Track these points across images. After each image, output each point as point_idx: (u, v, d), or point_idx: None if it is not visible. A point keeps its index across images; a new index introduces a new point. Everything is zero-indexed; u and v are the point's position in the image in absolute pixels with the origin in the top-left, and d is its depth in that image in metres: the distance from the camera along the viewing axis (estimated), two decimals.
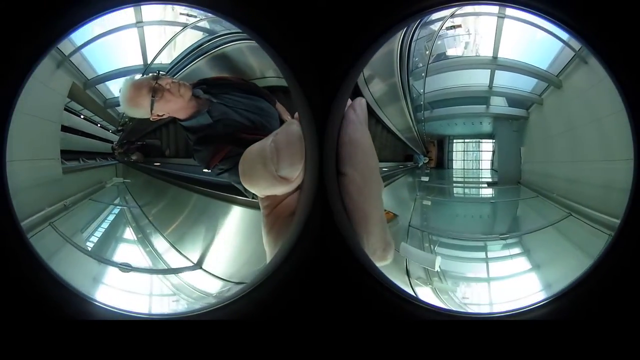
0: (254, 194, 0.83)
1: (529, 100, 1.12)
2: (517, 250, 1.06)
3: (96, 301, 0.74)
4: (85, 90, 1.02)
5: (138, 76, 1.04)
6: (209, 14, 1.09)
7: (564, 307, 0.72)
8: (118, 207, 1.11)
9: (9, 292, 0.69)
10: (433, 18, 1.14)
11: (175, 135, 1.13)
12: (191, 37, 1.14)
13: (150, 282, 1.04)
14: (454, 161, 1.22)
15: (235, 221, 1.15)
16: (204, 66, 1.15)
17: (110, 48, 1.05)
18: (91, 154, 1.06)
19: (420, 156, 1.25)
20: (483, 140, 1.19)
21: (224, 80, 1.13)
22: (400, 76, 1.22)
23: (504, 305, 0.88)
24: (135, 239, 1.10)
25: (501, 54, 1.10)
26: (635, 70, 0.66)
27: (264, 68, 1.14)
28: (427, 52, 1.19)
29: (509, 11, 1.02)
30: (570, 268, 0.79)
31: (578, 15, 0.66)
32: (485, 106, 1.16)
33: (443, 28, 1.15)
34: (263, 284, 0.73)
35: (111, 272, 0.99)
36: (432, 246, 1.14)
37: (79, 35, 0.98)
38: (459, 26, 1.13)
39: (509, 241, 1.08)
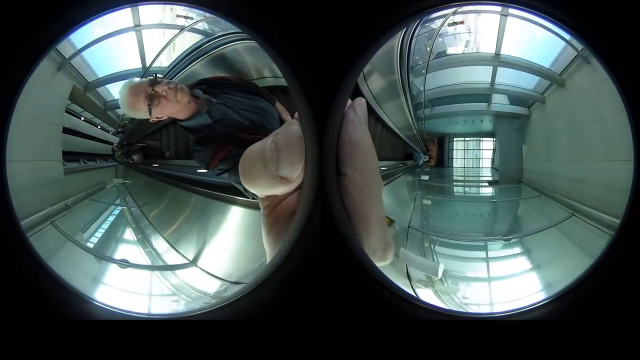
0: (254, 194, 0.83)
1: (531, 98, 1.12)
2: (517, 249, 1.07)
3: (96, 301, 0.74)
4: (85, 93, 1.03)
5: (137, 79, 1.04)
6: (208, 15, 1.10)
7: (564, 307, 0.73)
8: (118, 208, 1.12)
9: (8, 292, 0.69)
10: (434, 16, 1.14)
11: (175, 137, 1.14)
12: (190, 39, 1.15)
13: (150, 282, 1.05)
14: (454, 159, 1.22)
15: (235, 221, 1.16)
16: (201, 68, 1.15)
17: (110, 51, 1.06)
18: (91, 155, 1.07)
19: (421, 154, 1.26)
20: (483, 139, 1.20)
21: (224, 80, 1.14)
22: (400, 73, 1.22)
23: (504, 305, 0.89)
24: (135, 239, 1.11)
25: (503, 52, 1.11)
26: (635, 70, 0.66)
27: (261, 68, 1.15)
28: (428, 50, 1.19)
29: (510, 9, 1.03)
30: (571, 268, 0.79)
31: (577, 15, 0.67)
32: (486, 104, 1.17)
33: (445, 25, 1.16)
34: (263, 284, 0.74)
35: (111, 272, 1.00)
36: (432, 245, 1.14)
37: (80, 38, 0.99)
38: (461, 22, 1.13)
39: (511, 241, 1.09)
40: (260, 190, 0.80)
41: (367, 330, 0.72)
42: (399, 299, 0.75)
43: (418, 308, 0.75)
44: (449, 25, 1.15)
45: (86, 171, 1.05)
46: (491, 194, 1.21)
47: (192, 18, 1.13)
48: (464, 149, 1.22)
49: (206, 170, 1.02)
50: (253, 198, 0.86)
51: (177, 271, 1.09)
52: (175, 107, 1.03)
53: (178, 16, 1.12)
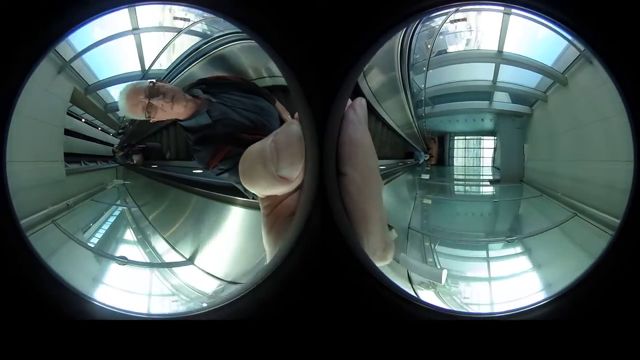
0: (254, 194, 0.84)
1: (533, 97, 1.13)
2: (518, 249, 1.07)
3: (95, 301, 0.75)
4: (86, 95, 1.04)
5: (134, 86, 1.05)
6: (207, 15, 1.11)
7: (564, 307, 0.74)
8: (118, 208, 1.13)
9: (8, 292, 0.70)
10: (435, 14, 1.14)
11: (176, 138, 1.15)
12: (188, 42, 1.16)
13: (150, 282, 1.06)
14: (454, 158, 1.23)
15: (234, 221, 1.17)
16: (199, 70, 1.16)
17: (110, 54, 1.07)
18: (92, 156, 1.08)
19: (421, 153, 1.26)
20: (484, 137, 1.20)
21: (223, 79, 1.15)
22: (401, 70, 1.23)
23: (504, 305, 0.90)
24: (136, 239, 1.12)
25: (505, 50, 1.11)
26: (635, 70, 0.67)
27: (259, 68, 1.16)
28: (429, 47, 1.19)
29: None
30: (572, 268, 0.80)
31: (577, 15, 0.67)
32: (487, 102, 1.17)
33: (446, 22, 1.16)
34: (263, 284, 0.74)
35: (110, 272, 1.01)
36: (432, 245, 1.15)
37: (80, 41, 1.00)
38: (464, 20, 1.13)
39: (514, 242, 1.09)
40: (260, 190, 0.81)
41: (367, 330, 0.73)
42: (399, 299, 0.75)
43: (418, 308, 0.76)
44: (451, 22, 1.15)
45: (87, 172, 1.06)
46: (493, 193, 1.21)
47: (188, 20, 1.14)
48: (465, 148, 1.22)
49: (206, 170, 1.03)
50: (253, 198, 0.87)
51: (176, 272, 1.09)
52: (172, 115, 1.05)
53: (175, 18, 1.12)
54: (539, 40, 1.05)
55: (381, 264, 0.76)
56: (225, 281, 1.08)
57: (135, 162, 1.12)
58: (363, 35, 0.70)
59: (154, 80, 1.04)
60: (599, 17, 0.67)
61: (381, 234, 0.75)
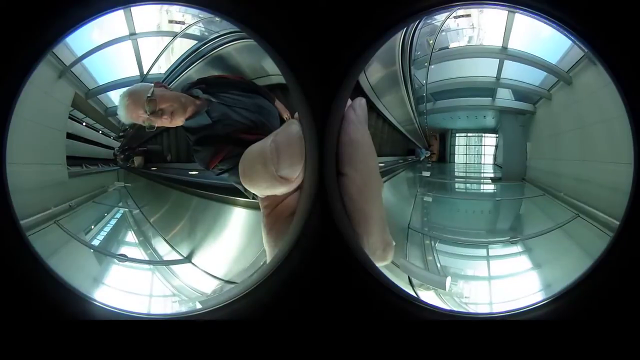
0: (254, 194, 0.85)
1: (536, 95, 1.12)
2: (519, 248, 1.08)
3: (96, 301, 0.76)
4: (87, 100, 1.05)
5: (133, 101, 1.05)
6: (204, 15, 1.12)
7: (564, 307, 0.75)
8: (120, 210, 1.14)
9: (8, 292, 0.71)
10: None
11: (176, 140, 1.15)
12: (185, 45, 1.16)
13: (151, 283, 1.07)
14: (456, 155, 1.23)
15: (235, 222, 1.17)
16: (196, 74, 1.16)
17: (109, 59, 1.08)
18: (93, 159, 1.09)
19: (422, 150, 1.26)
20: (486, 135, 1.20)
21: (223, 78, 1.15)
22: (402, 66, 1.23)
23: (504, 304, 0.91)
24: (137, 241, 1.13)
25: (509, 46, 1.11)
26: (636, 74, 0.68)
27: (257, 67, 1.16)
28: (432, 42, 1.19)
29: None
30: (572, 268, 0.81)
31: (579, 16, 0.68)
32: (490, 99, 1.17)
33: (448, 19, 1.16)
34: (263, 284, 0.75)
35: (111, 273, 1.02)
36: (432, 243, 1.15)
37: (79, 48, 1.01)
38: (468, 15, 1.13)
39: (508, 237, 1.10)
40: (261, 190, 0.82)
41: (367, 330, 0.74)
42: (399, 299, 0.77)
43: (418, 308, 0.77)
44: (454, 18, 1.15)
45: (89, 175, 1.07)
46: (495, 192, 1.21)
47: (183, 23, 1.14)
48: (466, 145, 1.22)
49: (206, 170, 1.04)
50: (253, 198, 0.87)
51: (177, 273, 1.10)
52: (173, 125, 1.06)
53: (171, 22, 1.13)
54: (544, 38, 1.05)
55: (381, 264, 0.77)
56: (225, 281, 1.09)
57: (136, 164, 1.13)
58: (363, 35, 0.71)
59: (151, 94, 1.04)
60: (601, 20, 0.67)
61: (381, 234, 0.76)
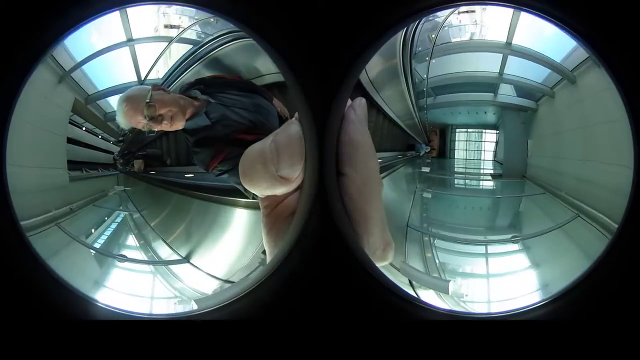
0: (254, 194, 0.85)
1: (539, 92, 1.12)
2: (517, 246, 1.08)
3: (97, 301, 0.77)
4: (86, 105, 1.06)
5: (132, 108, 1.06)
6: (200, 17, 1.12)
7: (564, 307, 0.76)
8: (120, 214, 1.14)
9: (9, 293, 0.72)
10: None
11: (176, 144, 1.16)
12: (184, 47, 1.17)
13: (152, 285, 1.08)
14: (456, 151, 1.23)
15: (235, 223, 1.18)
16: (194, 77, 1.16)
17: (107, 64, 1.08)
18: (93, 164, 1.09)
19: (422, 145, 1.26)
20: (486, 131, 1.20)
21: (221, 78, 1.15)
22: (402, 60, 1.22)
23: (502, 303, 0.91)
24: (138, 245, 1.13)
25: (513, 42, 1.11)
26: (635, 70, 0.69)
27: (254, 67, 1.16)
28: (434, 36, 1.19)
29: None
30: (571, 269, 0.81)
31: (579, 16, 0.68)
32: (492, 94, 1.17)
33: (450, 15, 1.15)
34: (263, 284, 0.76)
35: (112, 275, 1.02)
36: (431, 239, 1.16)
37: (78, 53, 1.01)
38: (472, 11, 1.13)
39: (509, 236, 1.10)
40: (261, 190, 0.82)
41: (367, 330, 0.75)
42: (399, 299, 0.77)
43: (418, 308, 0.78)
44: (459, 13, 1.14)
45: (89, 179, 1.07)
46: (495, 188, 1.21)
47: (178, 27, 1.14)
48: (466, 141, 1.22)
49: (206, 172, 1.04)
50: (253, 198, 0.88)
51: (178, 274, 1.11)
52: (172, 129, 1.07)
53: (166, 26, 1.13)
54: (548, 36, 1.05)
55: (381, 264, 0.77)
56: (225, 281, 1.10)
57: (135, 168, 1.14)
58: (363, 35, 0.71)
59: (150, 99, 1.04)
60: (601, 20, 0.67)
61: (381, 234, 0.76)
